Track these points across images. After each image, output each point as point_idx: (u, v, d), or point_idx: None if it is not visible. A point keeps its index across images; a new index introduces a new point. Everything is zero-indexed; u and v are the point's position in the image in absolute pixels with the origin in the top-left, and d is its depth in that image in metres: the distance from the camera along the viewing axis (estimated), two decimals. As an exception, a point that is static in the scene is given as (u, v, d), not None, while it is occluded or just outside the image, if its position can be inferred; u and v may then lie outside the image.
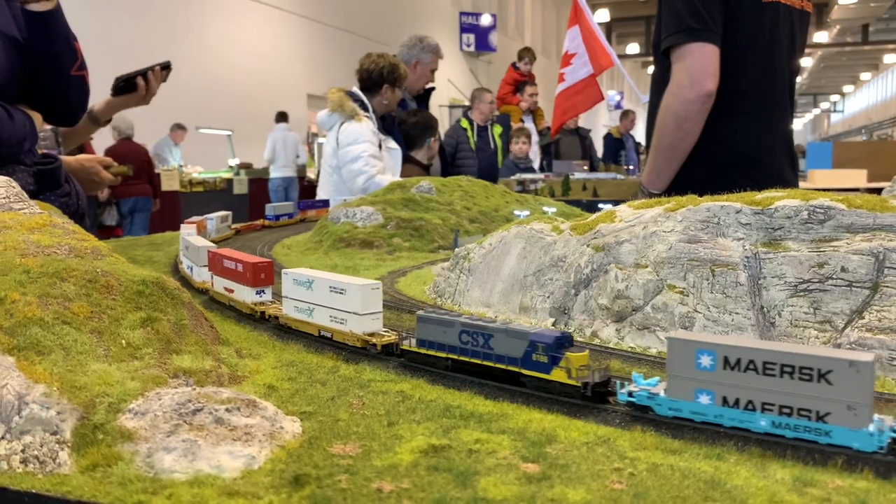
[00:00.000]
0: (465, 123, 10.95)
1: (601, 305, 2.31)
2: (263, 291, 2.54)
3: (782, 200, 2.17)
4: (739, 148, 4.35)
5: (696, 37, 4.13)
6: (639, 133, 20.44)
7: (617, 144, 17.70)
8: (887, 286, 1.93)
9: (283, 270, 2.38)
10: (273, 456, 1.40)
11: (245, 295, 2.56)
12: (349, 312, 2.11)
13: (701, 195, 2.38)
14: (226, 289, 2.71)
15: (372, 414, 1.64)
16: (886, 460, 1.32)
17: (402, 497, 1.24)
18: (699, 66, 4.13)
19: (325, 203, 6.09)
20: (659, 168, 4.42)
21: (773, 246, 2.12)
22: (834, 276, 2.00)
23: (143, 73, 4.74)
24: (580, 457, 1.40)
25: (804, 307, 2.02)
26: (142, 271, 2.01)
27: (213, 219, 4.49)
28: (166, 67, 4.90)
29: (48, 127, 4.83)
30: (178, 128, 17.63)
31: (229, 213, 4.89)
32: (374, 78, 7.09)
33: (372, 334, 2.09)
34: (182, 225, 3.91)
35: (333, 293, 2.16)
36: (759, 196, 2.24)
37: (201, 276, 3.05)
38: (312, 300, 2.25)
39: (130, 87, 4.76)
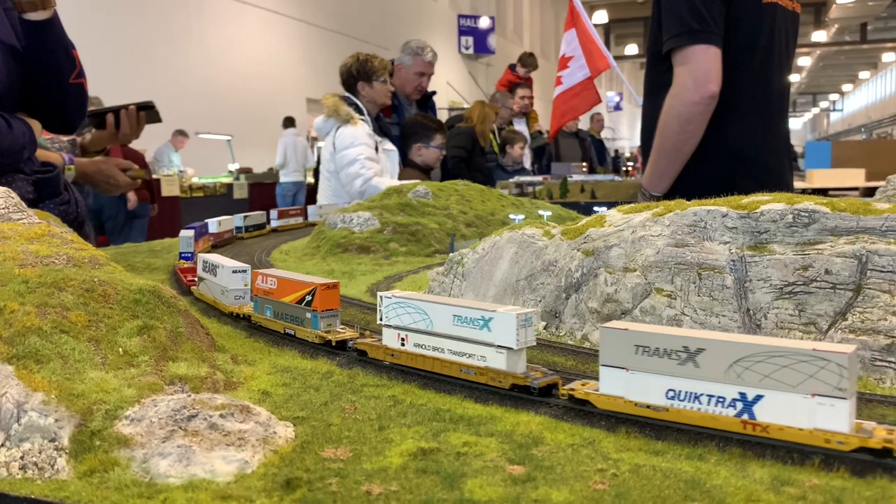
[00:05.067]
0: None
1: (591, 309, 2.34)
2: None
3: (768, 204, 2.21)
4: (741, 149, 4.36)
5: (699, 39, 4.12)
6: (634, 135, 20.50)
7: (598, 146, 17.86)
8: (869, 288, 1.97)
9: None
10: (266, 460, 1.44)
11: None
12: None
13: (702, 197, 2.38)
14: None
15: (363, 418, 1.68)
16: (862, 459, 1.36)
17: (390, 499, 1.28)
18: (702, 68, 4.13)
19: (204, 228, 4.74)
20: (661, 171, 4.42)
21: (759, 249, 2.15)
22: (818, 279, 2.03)
23: (115, 111, 4.55)
24: (565, 458, 1.44)
25: (789, 309, 2.05)
26: (138, 280, 2.04)
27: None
28: (145, 108, 4.58)
29: (66, 138, 4.79)
30: (180, 133, 17.72)
31: None
32: (347, 79, 7.20)
33: None
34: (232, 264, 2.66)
35: None
36: (746, 200, 2.28)
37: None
38: None
39: (100, 124, 4.59)
